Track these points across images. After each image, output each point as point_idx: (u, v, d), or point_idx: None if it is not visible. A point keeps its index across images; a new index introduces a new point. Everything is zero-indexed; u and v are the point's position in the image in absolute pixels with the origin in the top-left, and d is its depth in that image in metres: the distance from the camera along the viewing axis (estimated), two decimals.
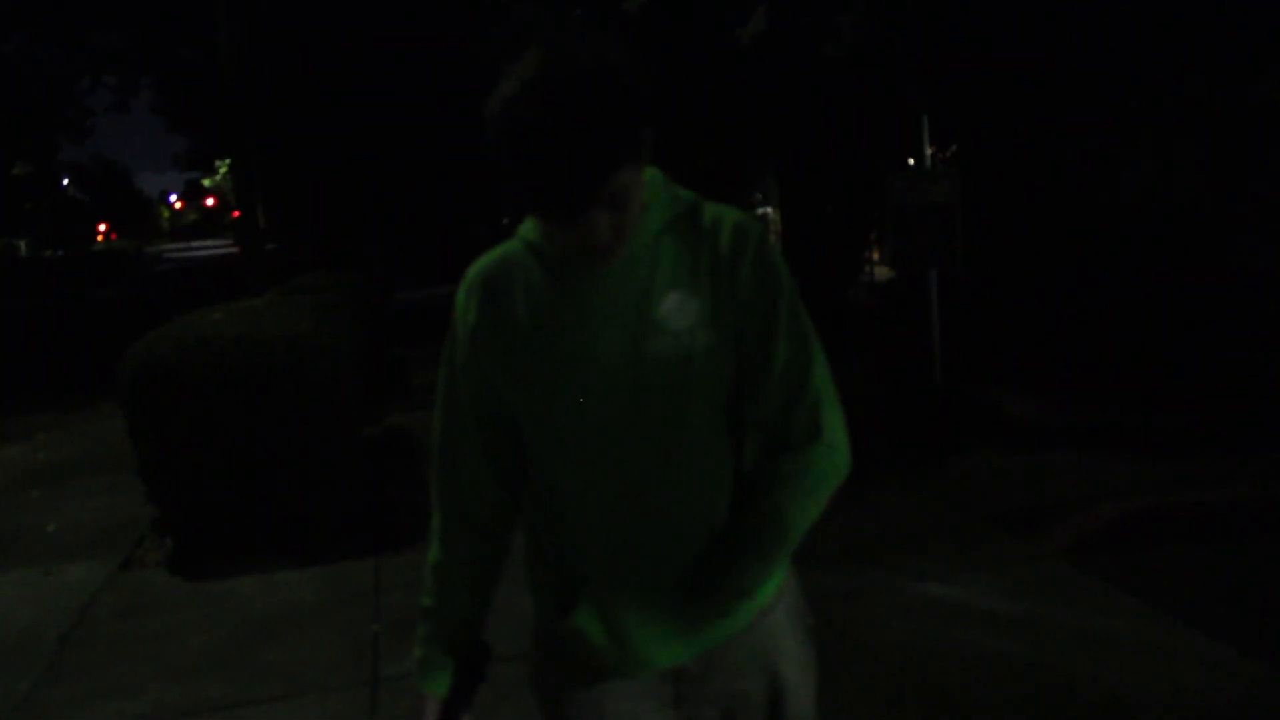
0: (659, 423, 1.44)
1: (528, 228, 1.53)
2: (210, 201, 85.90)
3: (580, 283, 1.44)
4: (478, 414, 1.55)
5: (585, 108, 1.23)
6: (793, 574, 1.65)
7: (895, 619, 4.13)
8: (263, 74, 16.78)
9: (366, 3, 17.66)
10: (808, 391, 1.48)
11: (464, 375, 1.55)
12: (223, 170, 42.83)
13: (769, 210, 18.07)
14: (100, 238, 71.89)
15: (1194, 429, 6.51)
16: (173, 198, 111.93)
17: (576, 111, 1.23)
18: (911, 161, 9.00)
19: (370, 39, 18.14)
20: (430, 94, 18.58)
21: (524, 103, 1.25)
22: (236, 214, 15.67)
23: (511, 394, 1.50)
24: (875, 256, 13.54)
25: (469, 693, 1.61)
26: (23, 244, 49.99)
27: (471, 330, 1.51)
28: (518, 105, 1.25)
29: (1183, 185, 9.07)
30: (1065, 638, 3.87)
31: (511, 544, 1.66)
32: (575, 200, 1.27)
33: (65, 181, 58.10)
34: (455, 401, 1.57)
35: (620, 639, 1.51)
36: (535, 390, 1.47)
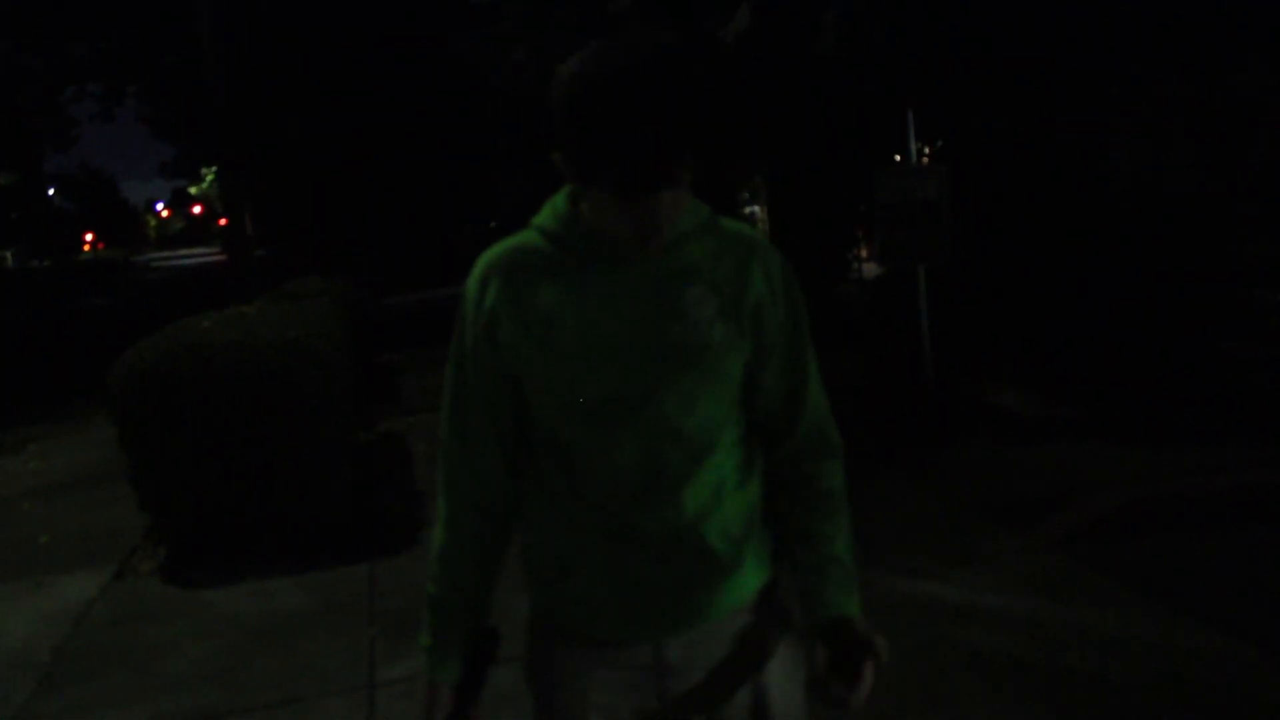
0: (674, 404, 1.49)
1: (544, 217, 1.56)
2: (197, 209, 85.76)
3: (606, 269, 1.48)
4: (489, 399, 1.57)
5: (672, 86, 1.29)
6: (780, 575, 1.68)
7: (888, 615, 4.14)
8: (249, 80, 16.74)
9: (352, 7, 17.64)
10: (821, 407, 1.65)
11: (475, 361, 1.56)
12: (209, 178, 42.72)
13: (756, 209, 18.08)
14: (87, 247, 71.61)
15: (1187, 419, 6.54)
16: (159, 206, 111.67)
17: (666, 89, 1.29)
18: (898, 157, 9.02)
19: (356, 43, 18.12)
20: (416, 97, 18.57)
21: (615, 81, 1.29)
22: (224, 221, 15.64)
23: (531, 374, 1.52)
24: (864, 253, 13.55)
25: (480, 677, 1.64)
26: (9, 254, 49.77)
27: (489, 315, 1.52)
28: (608, 82, 1.30)
29: (1172, 176, 9.10)
30: (1061, 630, 3.88)
31: (513, 527, 1.67)
32: (659, 172, 1.32)
33: (51, 191, 57.86)
34: (465, 388, 1.59)
35: (618, 604, 1.56)
36: (557, 370, 1.50)
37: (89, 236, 73.91)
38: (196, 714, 3.84)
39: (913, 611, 4.15)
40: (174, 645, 4.47)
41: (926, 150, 10.04)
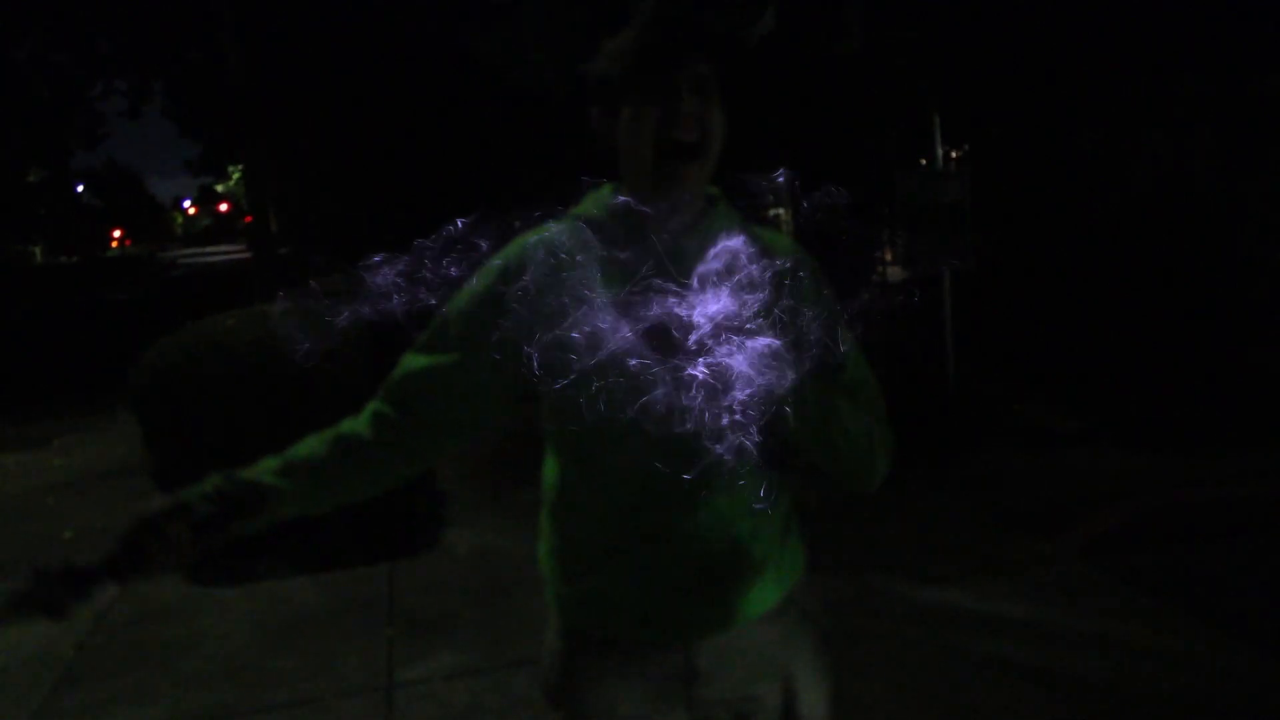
0: (698, 388, 1.45)
1: (587, 206, 1.58)
2: (223, 207, 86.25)
3: (646, 256, 1.46)
4: (488, 362, 1.53)
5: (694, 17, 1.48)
6: (807, 580, 1.66)
7: (908, 622, 4.12)
8: (271, 77, 16.84)
9: (373, 8, 17.71)
10: (880, 414, 1.62)
11: (474, 327, 1.53)
12: (236, 176, 42.99)
13: (780, 211, 18.03)
14: (114, 243, 72.21)
15: (1210, 425, 6.48)
16: (186, 203, 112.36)
17: (689, 14, 1.47)
18: (924, 161, 8.98)
19: (378, 41, 18.19)
20: (436, 97, 18.63)
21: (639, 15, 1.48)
22: (249, 219, 15.72)
23: (559, 353, 1.47)
24: (888, 256, 13.48)
25: (221, 521, 1.52)
26: (38, 250, 50.22)
27: (527, 291, 1.49)
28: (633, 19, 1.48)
29: (1195, 180, 9.02)
30: (1080, 639, 3.85)
31: (398, 475, 1.64)
32: (676, 43, 1.45)
33: (79, 188, 58.37)
34: (442, 350, 1.57)
35: (650, 605, 1.54)
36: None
37: (117, 233, 74.53)
38: (215, 712, 3.86)
39: (931, 619, 4.12)
40: (194, 643, 4.50)
41: (953, 154, 9.99)
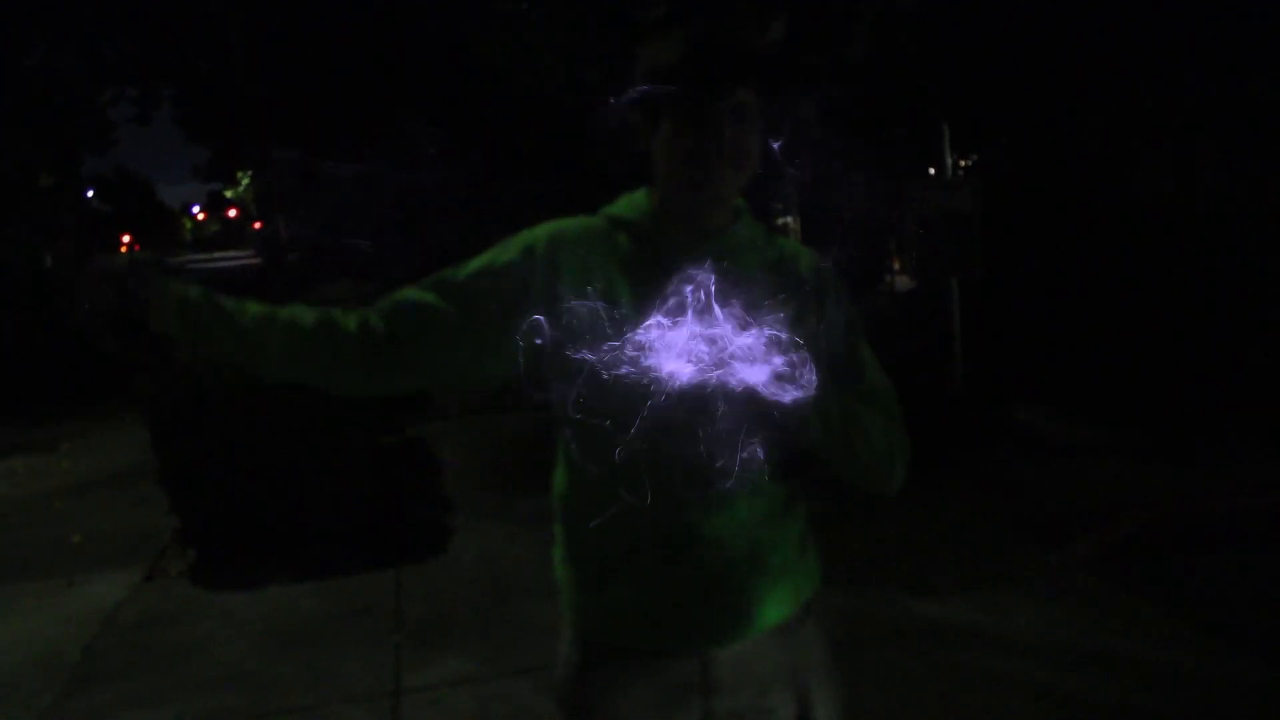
0: (717, 395, 1.44)
1: (620, 207, 1.59)
2: (232, 213, 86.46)
3: (675, 259, 1.45)
4: (478, 327, 1.53)
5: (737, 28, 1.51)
6: (822, 594, 1.66)
7: (909, 633, 4.10)
8: (279, 83, 16.89)
9: (381, 12, 17.77)
10: (897, 417, 1.60)
11: (491, 291, 1.53)
12: (245, 181, 43.08)
13: (789, 219, 17.98)
14: (124, 248, 72.37)
15: (1216, 434, 6.45)
16: (195, 209, 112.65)
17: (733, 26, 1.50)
18: (932, 170, 8.97)
19: (385, 46, 18.24)
20: (445, 98, 18.66)
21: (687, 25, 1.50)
22: (258, 224, 15.75)
23: (574, 347, 1.45)
24: (896, 265, 13.47)
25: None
26: (48, 256, 50.31)
27: (552, 279, 1.50)
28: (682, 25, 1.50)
29: (1202, 188, 8.98)
30: (1084, 650, 3.83)
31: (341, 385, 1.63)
32: (723, 72, 1.45)
33: (89, 193, 58.54)
34: (470, 299, 1.55)
35: (667, 611, 1.53)
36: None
37: (126, 238, 74.71)
38: (220, 717, 3.86)
39: (933, 629, 4.11)
40: (200, 648, 4.50)
41: (962, 163, 9.99)
